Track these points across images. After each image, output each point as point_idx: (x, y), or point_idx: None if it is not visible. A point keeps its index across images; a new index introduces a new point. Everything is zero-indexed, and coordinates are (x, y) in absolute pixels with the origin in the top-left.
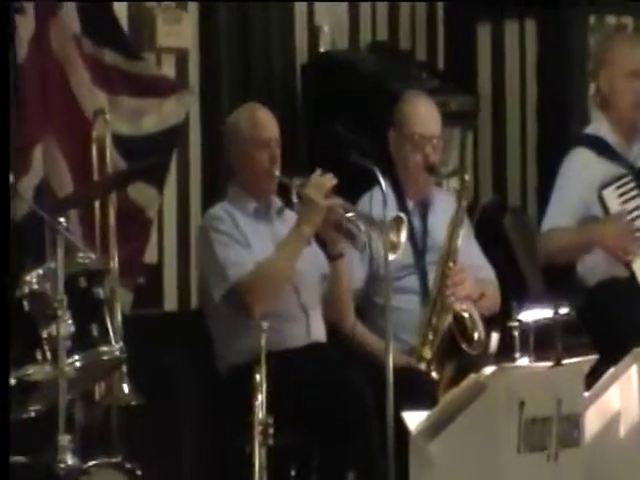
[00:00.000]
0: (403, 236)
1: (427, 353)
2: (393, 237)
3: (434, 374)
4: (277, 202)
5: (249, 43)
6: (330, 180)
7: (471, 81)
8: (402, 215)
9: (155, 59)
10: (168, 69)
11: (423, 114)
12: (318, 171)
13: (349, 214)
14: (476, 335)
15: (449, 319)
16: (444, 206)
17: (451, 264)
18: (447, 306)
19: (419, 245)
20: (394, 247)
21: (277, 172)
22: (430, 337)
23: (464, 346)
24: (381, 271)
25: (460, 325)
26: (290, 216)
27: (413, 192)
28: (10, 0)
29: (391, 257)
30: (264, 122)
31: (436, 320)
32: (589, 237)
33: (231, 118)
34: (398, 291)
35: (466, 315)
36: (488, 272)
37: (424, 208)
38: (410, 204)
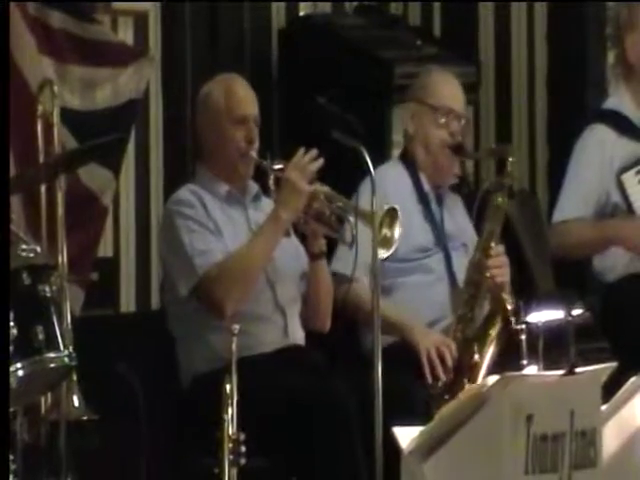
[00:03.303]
0: (397, 232)
1: (461, 334)
2: (386, 232)
3: (476, 357)
4: (253, 187)
5: (218, 5)
6: (315, 163)
7: (471, 49)
8: (396, 207)
9: (110, 23)
10: (125, 34)
11: (451, 88)
12: (301, 150)
13: (336, 204)
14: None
15: (486, 302)
16: (455, 204)
17: (493, 244)
18: (487, 288)
19: (439, 229)
20: (387, 243)
21: (254, 154)
22: (469, 315)
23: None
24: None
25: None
26: (267, 204)
27: (432, 174)
28: (10, 0)
29: (383, 255)
30: (244, 96)
31: (472, 302)
32: (610, 235)
33: (205, 89)
34: (417, 270)
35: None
36: None
37: (440, 194)
38: (426, 186)
